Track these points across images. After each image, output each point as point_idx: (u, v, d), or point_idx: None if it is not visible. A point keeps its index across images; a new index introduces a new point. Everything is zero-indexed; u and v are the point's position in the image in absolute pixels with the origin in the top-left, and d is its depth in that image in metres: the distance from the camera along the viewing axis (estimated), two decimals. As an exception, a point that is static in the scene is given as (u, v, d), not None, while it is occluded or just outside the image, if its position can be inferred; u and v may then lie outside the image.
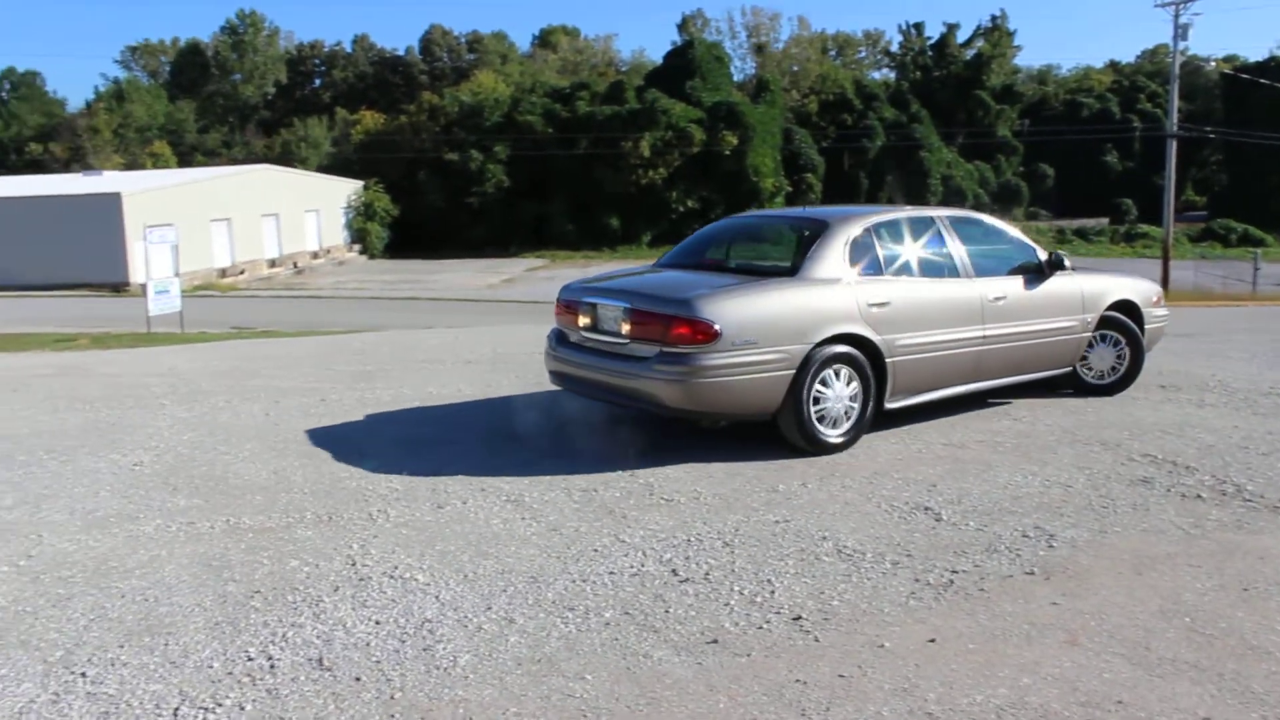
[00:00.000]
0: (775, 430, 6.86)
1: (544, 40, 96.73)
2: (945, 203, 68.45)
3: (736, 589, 4.57)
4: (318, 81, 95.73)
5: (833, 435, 6.78)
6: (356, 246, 61.98)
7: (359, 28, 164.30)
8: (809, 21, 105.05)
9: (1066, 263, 8.20)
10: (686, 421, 7.25)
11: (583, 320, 7.27)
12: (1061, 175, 75.52)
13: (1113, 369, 8.65)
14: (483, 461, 6.88)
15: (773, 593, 4.52)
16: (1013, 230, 8.46)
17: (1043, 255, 8.15)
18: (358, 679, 3.80)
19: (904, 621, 4.21)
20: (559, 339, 7.64)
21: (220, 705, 3.63)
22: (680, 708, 3.53)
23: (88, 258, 42.51)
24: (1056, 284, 8.11)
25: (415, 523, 5.57)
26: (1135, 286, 8.89)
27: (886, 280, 7.15)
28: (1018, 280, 7.94)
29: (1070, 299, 8.20)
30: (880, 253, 7.24)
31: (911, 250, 7.53)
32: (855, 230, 7.21)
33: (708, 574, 4.75)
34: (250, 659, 3.99)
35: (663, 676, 3.76)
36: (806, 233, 7.36)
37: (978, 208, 68.39)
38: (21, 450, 7.65)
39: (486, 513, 5.73)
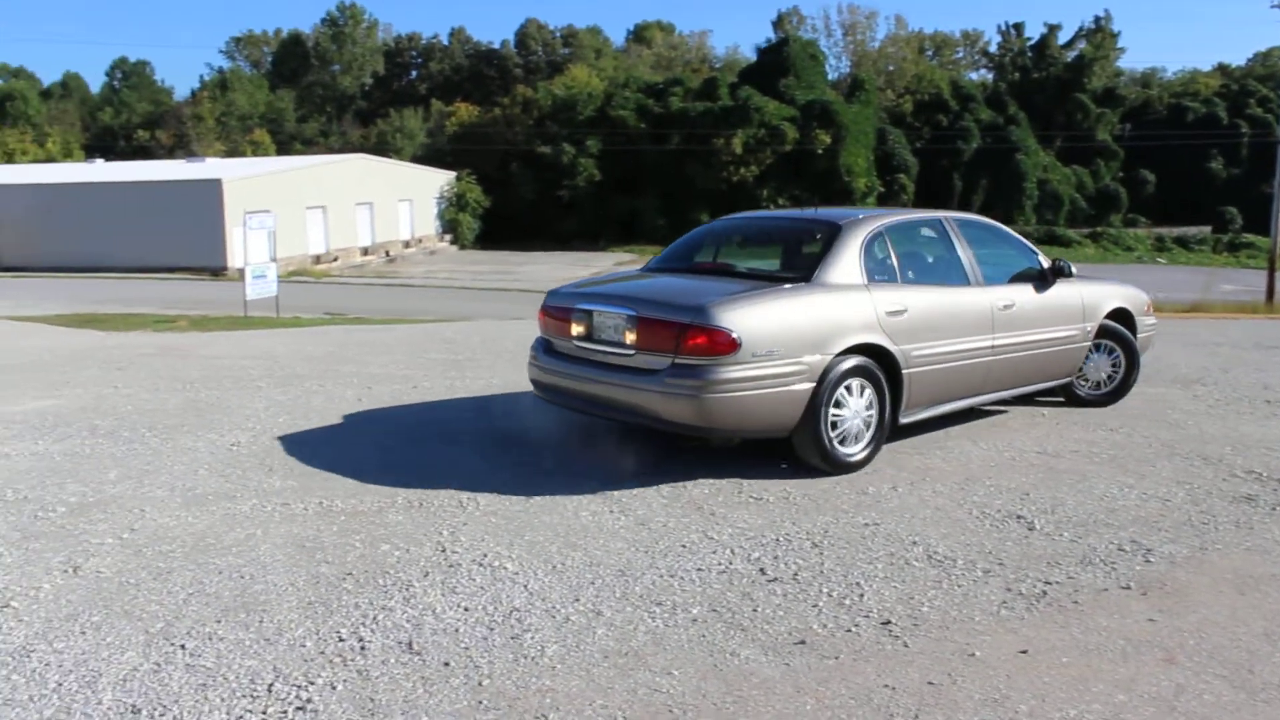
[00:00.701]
0: (781, 447, 6.52)
1: (638, 35, 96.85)
2: (1042, 207, 67.18)
3: (825, 590, 4.53)
4: (414, 73, 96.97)
5: (851, 453, 6.36)
6: (448, 236, 62.73)
7: (455, 21, 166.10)
8: (906, 20, 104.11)
9: (1073, 270, 7.96)
10: (689, 439, 6.80)
11: (576, 329, 6.68)
12: (1163, 181, 73.48)
13: (1108, 379, 8.41)
14: (571, 453, 6.92)
15: (861, 596, 4.48)
16: (1014, 234, 8.23)
17: (1045, 262, 7.89)
18: (446, 664, 3.85)
19: (995, 631, 4.14)
20: (545, 348, 7.06)
21: (313, 684, 3.70)
22: (767, 707, 3.51)
23: (188, 242, 43.63)
24: (1059, 292, 7.84)
25: (505, 511, 5.62)
26: (1129, 294, 8.64)
27: (901, 287, 6.77)
28: (1023, 287, 7.64)
29: (1072, 307, 7.94)
30: (894, 257, 6.89)
31: (923, 255, 7.34)
32: (868, 233, 6.82)
33: (796, 574, 4.72)
34: (342, 640, 4.06)
35: (750, 675, 3.74)
36: (818, 236, 7.00)
37: (1074, 213, 67.61)
38: (125, 427, 7.88)
39: (575, 504, 5.76)
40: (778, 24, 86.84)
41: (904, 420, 6.69)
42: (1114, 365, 8.39)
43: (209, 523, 5.53)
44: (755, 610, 4.32)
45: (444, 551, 5.02)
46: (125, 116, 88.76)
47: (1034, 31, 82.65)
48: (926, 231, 7.47)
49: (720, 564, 4.84)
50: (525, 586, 4.58)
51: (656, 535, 5.24)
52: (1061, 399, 8.52)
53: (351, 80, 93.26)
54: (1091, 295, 8.16)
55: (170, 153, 74.22)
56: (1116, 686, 3.68)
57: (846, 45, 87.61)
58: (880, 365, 6.44)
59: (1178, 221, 68.08)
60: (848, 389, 6.27)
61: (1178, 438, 7.36)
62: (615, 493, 5.97)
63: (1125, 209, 71.51)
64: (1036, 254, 7.95)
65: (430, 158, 69.28)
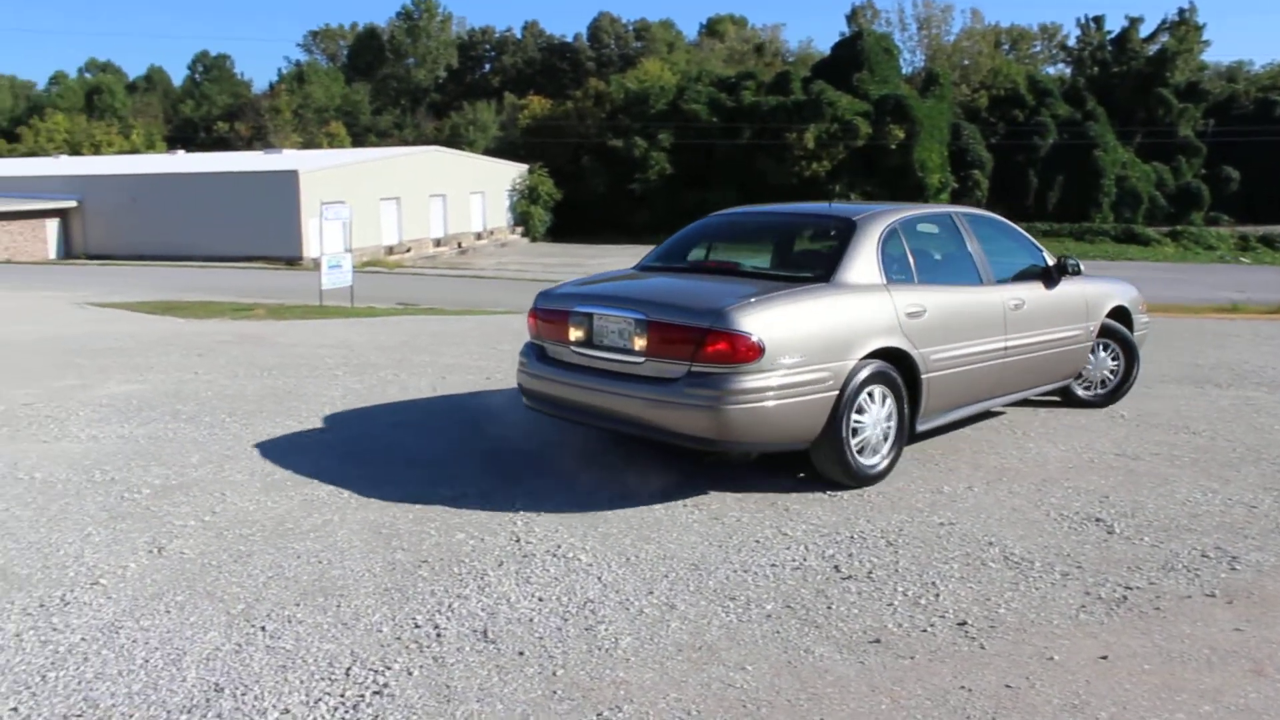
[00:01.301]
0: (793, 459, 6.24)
1: (711, 29, 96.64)
2: (1120, 205, 65.86)
3: (900, 589, 4.49)
4: (487, 66, 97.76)
5: (872, 465, 5.98)
6: (519, 229, 63.12)
7: (529, 14, 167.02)
8: (982, 14, 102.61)
9: (1081, 268, 7.68)
10: (704, 455, 6.39)
11: (574, 333, 6.16)
12: (1247, 179, 71.56)
13: (1107, 379, 8.20)
14: (644, 444, 6.93)
15: (937, 596, 4.43)
16: (1019, 229, 7.92)
17: (1050, 259, 7.59)
18: (521, 653, 3.88)
19: (1074, 635, 4.08)
20: (538, 355, 6.51)
21: (389, 669, 3.75)
22: (841, 706, 3.49)
23: (265, 232, 44.39)
24: (1065, 290, 7.54)
25: (578, 502, 5.65)
26: (1127, 292, 8.42)
27: (918, 287, 6.38)
28: (1030, 286, 7.32)
29: (1077, 306, 7.67)
30: (909, 255, 6.51)
31: (936, 252, 6.98)
32: (883, 229, 6.44)
33: (870, 572, 4.68)
34: (418, 626, 4.11)
35: (824, 673, 3.72)
36: (832, 233, 6.61)
37: (1153, 210, 66.17)
38: (206, 412, 8.05)
39: (649, 496, 5.77)
40: (852, 18, 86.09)
41: (921, 428, 6.35)
42: (1114, 366, 8.18)
43: (287, 508, 5.63)
44: (830, 608, 4.30)
45: (518, 541, 5.06)
46: (206, 109, 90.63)
47: (1115, 24, 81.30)
48: (938, 227, 7.13)
49: (794, 560, 4.82)
50: (599, 578, 4.60)
51: (730, 530, 5.24)
52: (1057, 399, 8.32)
53: (426, 73, 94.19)
54: (1094, 294, 7.93)
55: (248, 144, 75.65)
56: (1201, 697, 3.60)
57: (921, 39, 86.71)
58: (898, 370, 6.08)
59: (1263, 220, 66.22)
60: (869, 396, 5.89)
61: (1264, 442, 7.17)
62: (688, 485, 5.96)
63: (1207, 207, 69.81)
64: (1041, 251, 7.68)
65: (503, 150, 69.76)
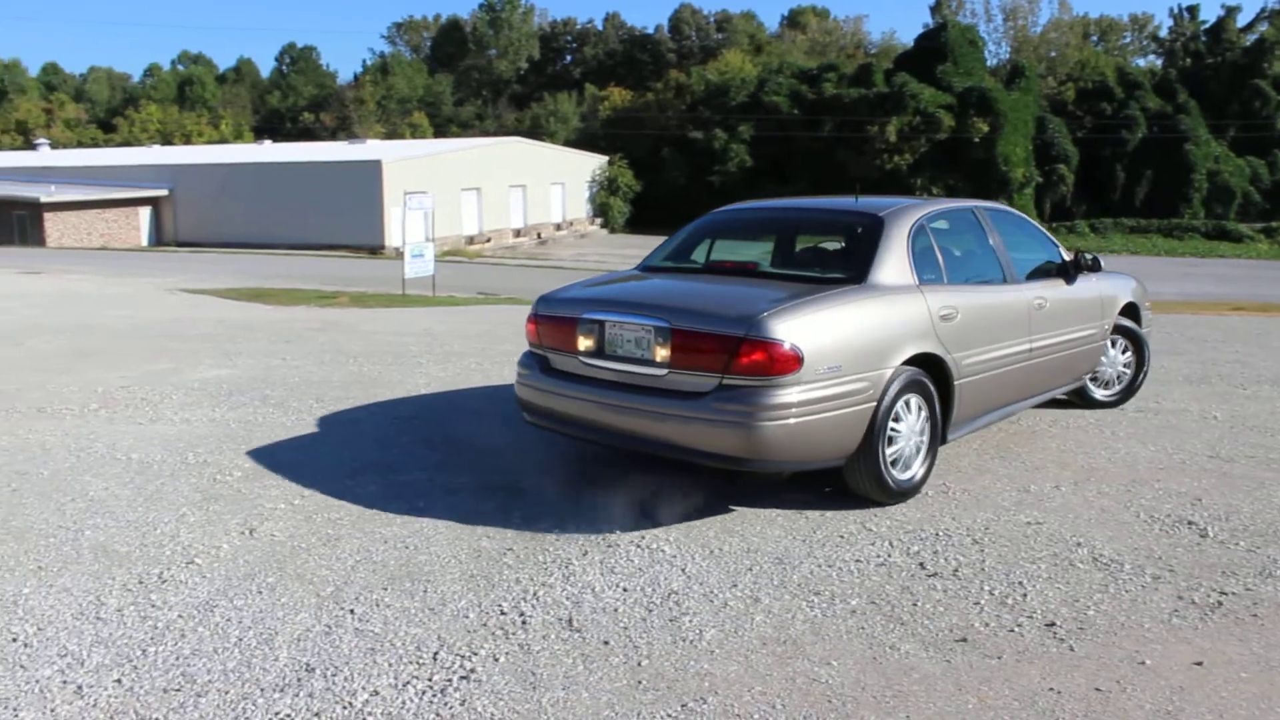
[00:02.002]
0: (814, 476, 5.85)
1: (793, 20, 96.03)
2: (1211, 201, 64.13)
3: (986, 589, 4.44)
4: (569, 58, 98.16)
5: (907, 479, 5.59)
6: (598, 220, 63.34)
7: (610, 6, 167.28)
8: (1070, 4, 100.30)
9: (1102, 264, 7.36)
10: (734, 475, 5.91)
11: (584, 342, 5.63)
12: (1351, 174, 69.20)
13: (1121, 376, 7.92)
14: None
15: (1024, 596, 4.37)
16: (1035, 223, 7.56)
17: (1066, 254, 7.26)
18: (606, 643, 3.90)
19: (1166, 640, 3.99)
20: (542, 366, 5.95)
21: (475, 654, 3.80)
22: (928, 704, 3.46)
23: (348, 221, 45.11)
24: (1081, 288, 7.19)
25: (663, 494, 5.66)
26: (1136, 288, 8.12)
27: (948, 287, 5.99)
28: (1050, 283, 6.96)
29: (1092, 303, 7.33)
30: (936, 253, 6.09)
31: (962, 249, 6.59)
32: (912, 226, 6.01)
33: (956, 570, 4.63)
34: (503, 613, 4.16)
35: (910, 670, 3.69)
36: (858, 230, 6.17)
37: (1246, 206, 64.36)
38: (294, 397, 8.21)
39: (732, 489, 5.76)
40: (936, 9, 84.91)
41: (951, 437, 5.97)
42: (1125, 365, 7.92)
43: (374, 492, 5.72)
44: (915, 605, 4.26)
45: (605, 532, 5.08)
46: (292, 100, 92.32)
47: (1210, 14, 79.13)
48: (962, 223, 6.71)
49: (879, 556, 4.79)
50: (683, 570, 4.61)
51: (814, 525, 5.21)
52: (1055, 404, 7.85)
53: (507, 64, 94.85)
54: (1107, 290, 7.60)
55: (333, 134, 76.89)
56: (1301, 705, 3.51)
57: (1007, 31, 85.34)
58: (930, 376, 5.68)
59: (1366, 217, 64.02)
60: (904, 405, 5.49)
61: (1365, 446, 6.95)
62: (774, 479, 5.94)
63: (1305, 203, 67.68)
64: (1058, 246, 7.37)
65: (583, 142, 70.02)
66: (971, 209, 6.80)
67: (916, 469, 5.64)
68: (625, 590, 4.38)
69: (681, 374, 5.18)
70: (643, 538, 5.00)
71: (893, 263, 5.75)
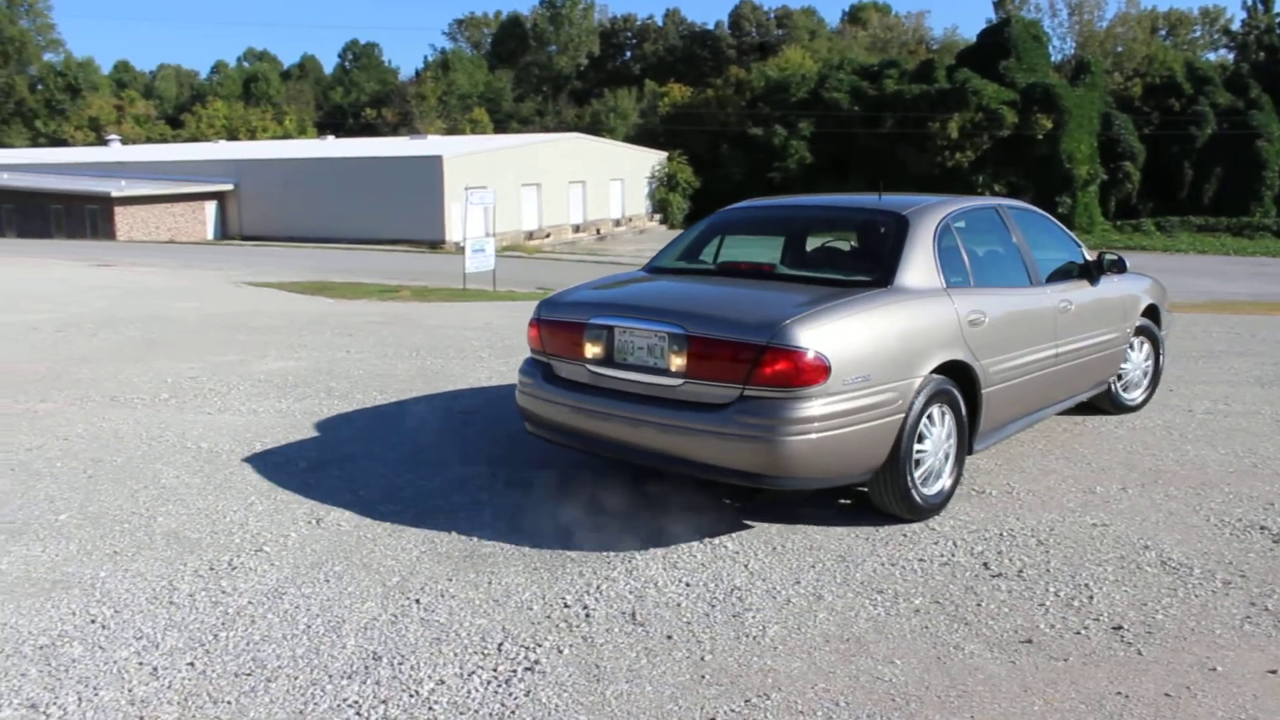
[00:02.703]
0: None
1: (854, 16, 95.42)
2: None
3: (1052, 590, 4.39)
4: (628, 54, 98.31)
5: (934, 494, 5.27)
6: (657, 216, 63.37)
7: (671, 2, 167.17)
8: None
9: (1127, 265, 7.07)
10: (753, 491, 5.59)
11: (591, 349, 5.28)
12: None
13: (1143, 379, 7.65)
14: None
15: (1091, 598, 4.32)
16: (1057, 222, 7.23)
17: (1089, 254, 6.96)
18: (669, 637, 3.91)
19: (1238, 646, 3.92)
20: (545, 374, 5.59)
21: (540, 646, 3.83)
22: (993, 705, 3.44)
23: (409, 215, 45.56)
24: (1105, 290, 6.89)
25: (724, 489, 5.65)
26: (1156, 289, 7.80)
27: (975, 290, 5.67)
28: (1075, 285, 6.65)
29: (1115, 306, 7.04)
30: (963, 254, 5.77)
31: (986, 250, 6.30)
32: (937, 225, 5.68)
33: (1021, 571, 4.59)
34: (567, 606, 4.19)
35: (975, 671, 3.67)
36: (882, 229, 5.80)
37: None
38: (358, 390, 8.31)
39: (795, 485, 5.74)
40: (999, 4, 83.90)
41: (978, 448, 5.65)
42: (1146, 365, 7.69)
43: (438, 484, 5.78)
44: (979, 605, 4.23)
45: (667, 526, 5.09)
46: (354, 95, 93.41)
47: (1285, 7, 77.19)
48: (986, 222, 6.37)
49: (942, 555, 4.76)
50: (745, 566, 4.61)
51: (877, 522, 5.18)
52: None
53: (567, 60, 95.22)
54: (1129, 292, 7.31)
55: (394, 130, 77.67)
56: (1378, 714, 3.43)
57: (1072, 26, 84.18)
58: (956, 384, 5.36)
59: None
60: (930, 417, 5.18)
61: None
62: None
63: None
64: (1080, 246, 7.06)
65: (642, 138, 70.10)
66: (995, 207, 6.51)
67: (944, 482, 5.34)
68: (688, 585, 4.39)
69: (699, 384, 4.85)
70: (705, 533, 5.00)
71: (920, 264, 5.43)
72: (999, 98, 58.87)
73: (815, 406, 4.61)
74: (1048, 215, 7.17)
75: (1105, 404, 7.49)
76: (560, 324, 5.50)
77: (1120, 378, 7.50)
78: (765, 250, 6.63)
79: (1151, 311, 7.67)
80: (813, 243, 6.61)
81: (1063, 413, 7.12)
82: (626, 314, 5.25)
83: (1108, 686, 3.57)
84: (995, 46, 62.83)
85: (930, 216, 5.71)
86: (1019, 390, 5.88)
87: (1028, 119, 58.33)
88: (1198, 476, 6.10)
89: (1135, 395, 7.67)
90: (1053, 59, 70.15)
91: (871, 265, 5.55)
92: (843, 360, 4.68)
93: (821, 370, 4.60)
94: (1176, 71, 68.15)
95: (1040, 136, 58.10)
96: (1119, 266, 6.98)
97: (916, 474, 5.12)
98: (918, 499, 5.12)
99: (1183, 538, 5.06)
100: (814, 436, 4.62)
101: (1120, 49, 77.63)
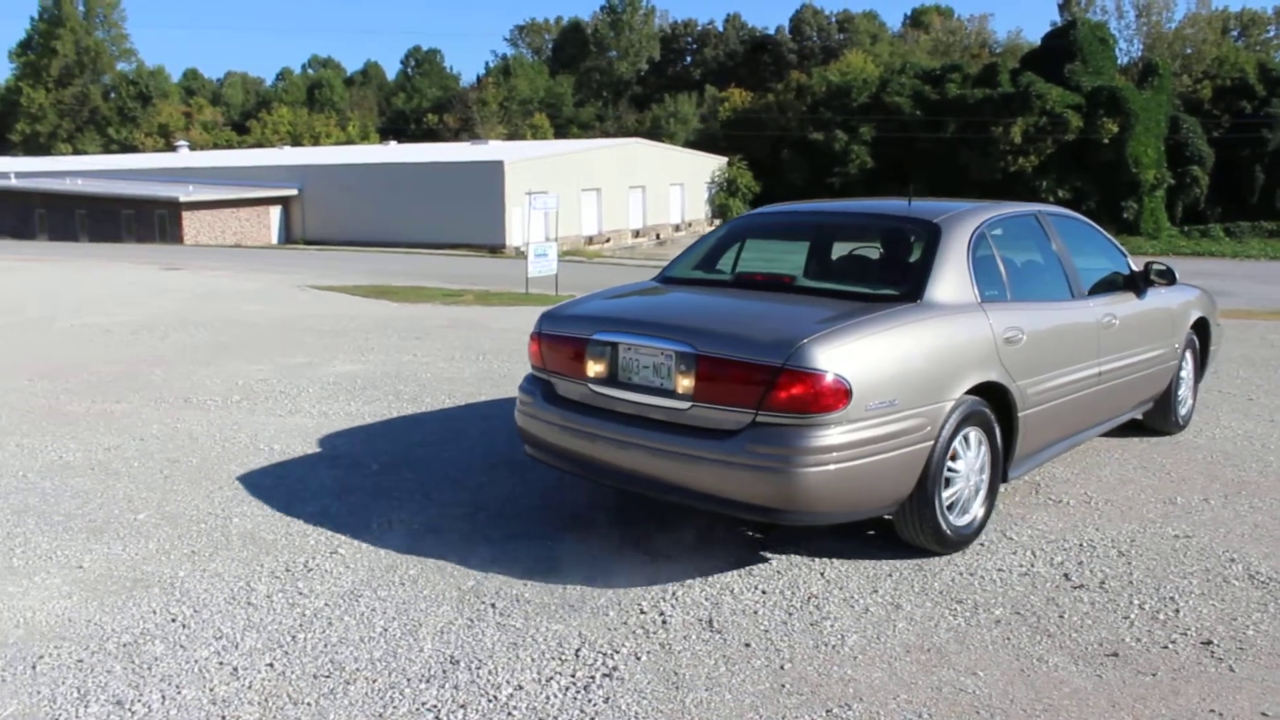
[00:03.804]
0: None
1: (915, 20, 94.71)
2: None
3: (1136, 602, 4.29)
4: (689, 59, 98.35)
5: (966, 524, 4.87)
6: (717, 221, 63.22)
7: (731, 7, 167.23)
8: None
9: (1176, 275, 6.67)
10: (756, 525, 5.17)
11: (593, 367, 4.89)
12: None
13: (1184, 399, 7.20)
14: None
15: (1177, 611, 4.21)
16: (1100, 230, 6.79)
17: (1135, 265, 6.55)
18: (747, 645, 3.87)
19: (1334, 663, 3.81)
20: (545, 393, 5.21)
21: (617, 653, 3.81)
22: (1080, 719, 3.36)
23: (470, 220, 45.83)
24: (1151, 303, 6.47)
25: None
26: (1207, 301, 7.41)
27: (1012, 305, 5.24)
28: (1120, 298, 6.22)
29: (1163, 320, 6.63)
30: (999, 265, 5.35)
31: (1025, 260, 5.90)
32: (972, 234, 5.24)
33: (1103, 583, 4.49)
34: (643, 612, 4.16)
35: (1060, 684, 3.59)
36: (912, 238, 5.43)
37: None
38: (426, 393, 8.36)
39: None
40: (1065, 6, 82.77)
41: (1013, 475, 5.22)
42: (1191, 383, 7.31)
43: (509, 489, 5.79)
44: (1061, 617, 4.14)
45: (740, 531, 5.05)
46: (416, 101, 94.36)
47: (1360, 11, 75.32)
48: (1024, 230, 5.94)
49: (1021, 566, 4.67)
50: (821, 574, 4.56)
51: (951, 532, 5.10)
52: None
53: (628, 66, 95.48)
54: (1177, 304, 6.89)
55: (456, 135, 78.29)
56: None
57: (1139, 27, 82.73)
58: (991, 406, 4.95)
59: None
60: (964, 441, 4.80)
61: None
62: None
63: None
64: (1125, 255, 6.64)
65: (702, 143, 70.08)
66: (1035, 213, 6.06)
67: (975, 512, 4.93)
68: (764, 593, 4.35)
69: (708, 408, 4.46)
70: (779, 540, 4.95)
71: (952, 277, 5.00)
72: (1064, 101, 58.08)
73: (835, 435, 4.23)
74: (1091, 222, 6.81)
75: (1156, 422, 7.07)
76: (562, 339, 5.11)
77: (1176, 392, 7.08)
78: (787, 258, 6.33)
79: (1201, 325, 7.30)
80: (837, 251, 6.23)
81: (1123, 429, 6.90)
82: (632, 330, 4.84)
83: (1200, 704, 3.48)
84: (1060, 49, 61.98)
85: (964, 224, 5.28)
86: (1058, 412, 5.48)
87: (1093, 123, 57.47)
88: (1283, 488, 5.94)
89: (1183, 413, 7.26)
90: (1119, 61, 69.03)
91: (899, 277, 5.22)
92: (865, 384, 4.29)
93: (842, 395, 4.22)
94: (1248, 73, 66.71)
95: (1106, 141, 57.21)
96: (1167, 277, 6.57)
97: (946, 504, 4.73)
98: (947, 530, 4.73)
99: (1270, 551, 4.92)
100: (833, 468, 4.23)
101: (1189, 50, 76.19)
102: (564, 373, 5.09)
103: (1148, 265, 6.58)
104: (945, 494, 4.71)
